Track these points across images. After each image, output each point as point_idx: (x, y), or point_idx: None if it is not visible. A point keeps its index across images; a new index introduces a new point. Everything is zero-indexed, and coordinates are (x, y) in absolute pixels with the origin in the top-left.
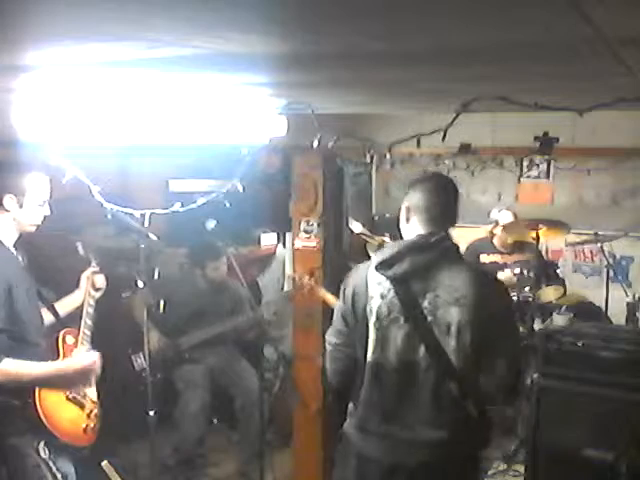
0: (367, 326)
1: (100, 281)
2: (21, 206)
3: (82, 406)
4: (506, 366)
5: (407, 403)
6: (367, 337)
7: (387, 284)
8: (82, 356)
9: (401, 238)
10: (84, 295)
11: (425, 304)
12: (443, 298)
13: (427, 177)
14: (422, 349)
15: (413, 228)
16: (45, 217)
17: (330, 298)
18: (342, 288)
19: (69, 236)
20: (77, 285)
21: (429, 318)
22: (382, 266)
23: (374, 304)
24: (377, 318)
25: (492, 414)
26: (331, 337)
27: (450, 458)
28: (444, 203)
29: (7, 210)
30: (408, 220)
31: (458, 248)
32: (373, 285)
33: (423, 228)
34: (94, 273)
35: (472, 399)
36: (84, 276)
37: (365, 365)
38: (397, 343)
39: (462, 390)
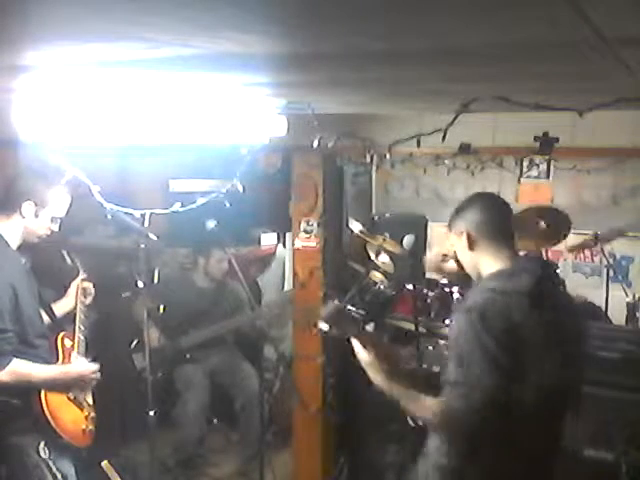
0: (522, 360)
1: (89, 288)
2: (37, 216)
3: (82, 408)
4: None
5: (543, 444)
6: (519, 372)
7: (536, 312)
8: (82, 364)
9: (461, 269)
10: (75, 303)
11: (561, 331)
12: (571, 324)
13: (483, 194)
14: (562, 381)
15: (487, 253)
16: (52, 232)
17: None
18: (479, 325)
19: (57, 243)
20: (64, 292)
21: (566, 347)
22: (531, 295)
23: (531, 335)
24: (534, 350)
25: None
26: (497, 393)
27: None
28: (510, 220)
29: (23, 216)
30: (472, 247)
31: None
32: (521, 315)
33: (505, 250)
34: (83, 281)
35: None
36: (74, 284)
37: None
38: (550, 376)
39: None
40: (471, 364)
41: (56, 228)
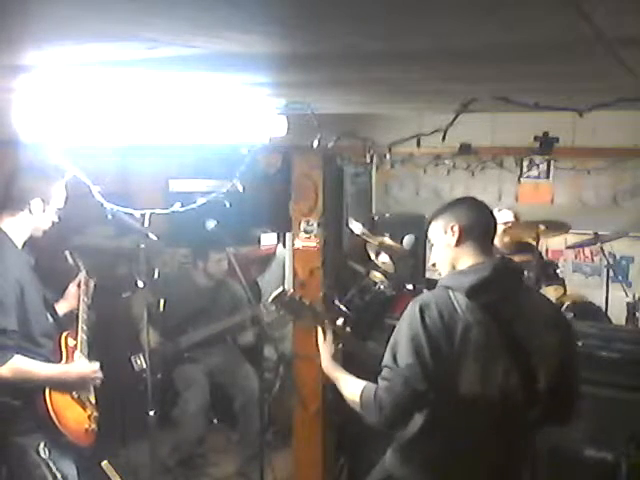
0: (461, 357)
1: (91, 286)
2: (44, 211)
3: (85, 407)
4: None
5: (501, 438)
6: (461, 369)
7: (480, 310)
8: (84, 364)
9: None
10: (77, 303)
11: (519, 330)
12: (536, 323)
13: (471, 198)
14: (516, 379)
15: (464, 251)
16: (53, 223)
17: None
18: (418, 316)
19: (58, 243)
20: (62, 294)
21: (523, 344)
22: (474, 292)
23: (473, 332)
24: (477, 348)
25: None
26: (419, 382)
27: None
28: (492, 225)
29: (31, 213)
30: (459, 243)
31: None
32: (465, 312)
33: (478, 251)
34: (85, 279)
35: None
36: (72, 285)
37: (455, 399)
38: (498, 373)
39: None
40: (399, 352)
41: (56, 219)
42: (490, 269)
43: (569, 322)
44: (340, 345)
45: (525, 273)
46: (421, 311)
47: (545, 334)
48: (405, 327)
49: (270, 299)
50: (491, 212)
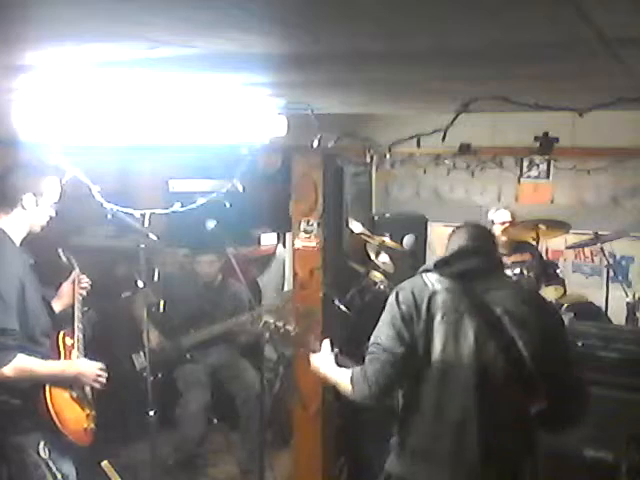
0: (430, 323)
1: (85, 284)
2: (37, 206)
3: (83, 407)
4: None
5: (483, 411)
6: (432, 335)
7: (448, 280)
8: (84, 362)
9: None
10: (72, 301)
11: (491, 299)
12: (508, 294)
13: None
14: (493, 348)
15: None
16: (50, 218)
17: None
18: (394, 298)
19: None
20: (56, 292)
21: (498, 311)
22: (441, 265)
23: (439, 298)
24: (444, 312)
25: None
26: (396, 346)
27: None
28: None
29: (24, 208)
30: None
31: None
32: (434, 282)
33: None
34: (78, 277)
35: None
36: (66, 283)
37: (431, 367)
38: (470, 339)
39: (532, 396)
40: (380, 329)
41: (53, 213)
42: (458, 245)
43: (546, 302)
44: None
45: (521, 270)
46: (396, 294)
47: (519, 306)
48: (385, 312)
49: (260, 325)
50: (483, 236)
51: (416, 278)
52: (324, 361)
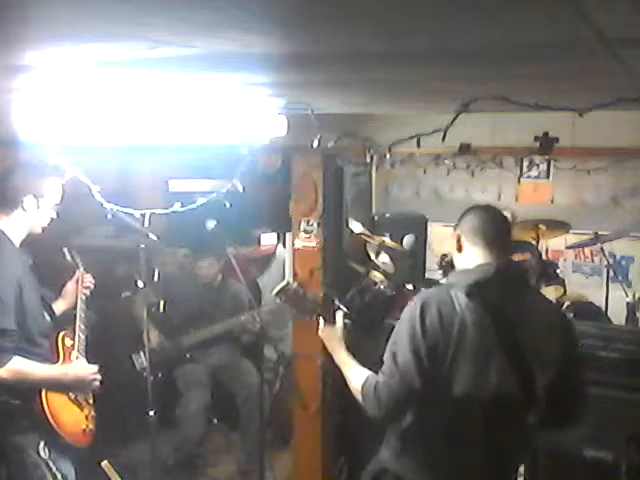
0: (456, 357)
1: (89, 282)
2: (38, 207)
3: (82, 408)
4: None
5: (494, 440)
6: (456, 369)
7: (480, 310)
8: (82, 365)
9: (452, 268)
10: (75, 302)
11: (520, 332)
12: (538, 327)
13: (480, 206)
14: (513, 381)
15: (470, 256)
16: (51, 219)
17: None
18: (418, 315)
19: (57, 243)
20: (60, 293)
21: (523, 348)
22: (474, 292)
23: (469, 333)
24: (472, 348)
25: None
26: (414, 379)
27: None
28: (500, 230)
29: (25, 210)
30: (460, 249)
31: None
32: (464, 312)
33: (485, 254)
34: (83, 276)
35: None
36: (70, 283)
37: (449, 399)
38: (493, 375)
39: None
40: (399, 348)
41: (54, 214)
42: (493, 269)
43: (572, 326)
44: (346, 333)
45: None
46: (422, 310)
47: (545, 338)
48: (405, 324)
49: (275, 292)
50: (499, 217)
51: (443, 293)
52: (333, 335)
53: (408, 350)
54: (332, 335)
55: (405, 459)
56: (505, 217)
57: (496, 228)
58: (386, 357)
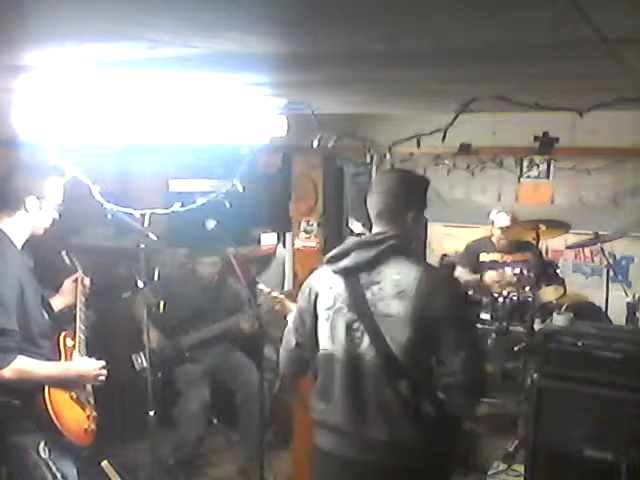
0: (317, 318)
1: (87, 285)
2: (40, 208)
3: (84, 407)
4: (460, 363)
5: (357, 398)
6: (317, 329)
7: (336, 277)
8: (84, 362)
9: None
10: (74, 301)
11: (369, 296)
12: (386, 291)
13: (378, 177)
14: (366, 341)
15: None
16: (53, 220)
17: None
18: (302, 290)
19: (57, 244)
20: (57, 290)
21: (372, 309)
22: (331, 260)
23: (323, 296)
24: (325, 310)
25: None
26: (290, 336)
27: (402, 458)
28: (395, 204)
29: (27, 211)
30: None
31: (409, 245)
32: (325, 279)
33: (375, 227)
34: (81, 279)
35: (427, 398)
36: (68, 281)
37: (316, 357)
38: (342, 335)
39: (412, 387)
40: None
41: (56, 215)
42: (349, 243)
43: (436, 293)
44: None
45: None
46: (305, 285)
47: (393, 301)
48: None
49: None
50: (390, 181)
51: (320, 269)
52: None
53: (292, 320)
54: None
55: (319, 406)
56: (405, 179)
57: (384, 199)
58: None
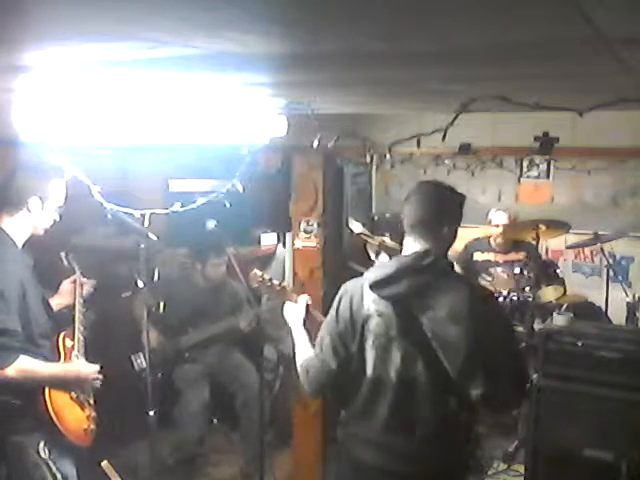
0: (364, 343)
1: (86, 287)
2: (42, 209)
3: (83, 407)
4: (508, 379)
5: (406, 416)
6: (365, 354)
7: (383, 302)
8: (82, 364)
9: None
10: (73, 302)
11: (424, 321)
12: (441, 315)
13: (416, 187)
14: (420, 365)
15: (407, 243)
16: (54, 221)
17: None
18: (341, 313)
19: (56, 244)
20: (56, 290)
21: (428, 335)
22: (377, 286)
23: (372, 322)
24: (375, 336)
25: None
26: (329, 359)
27: (444, 468)
28: (432, 216)
29: (29, 211)
30: (404, 235)
31: (452, 264)
32: (372, 304)
33: (415, 245)
34: (80, 280)
35: (468, 409)
36: (67, 281)
37: (363, 380)
38: (396, 362)
39: (460, 403)
40: (322, 333)
41: (57, 217)
42: (395, 266)
43: (488, 310)
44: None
45: (521, 269)
46: (339, 299)
47: (450, 326)
48: (330, 311)
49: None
50: (429, 195)
51: (357, 284)
52: (295, 313)
53: (327, 334)
54: (294, 313)
55: (345, 437)
56: (446, 195)
57: (421, 210)
58: (317, 340)
